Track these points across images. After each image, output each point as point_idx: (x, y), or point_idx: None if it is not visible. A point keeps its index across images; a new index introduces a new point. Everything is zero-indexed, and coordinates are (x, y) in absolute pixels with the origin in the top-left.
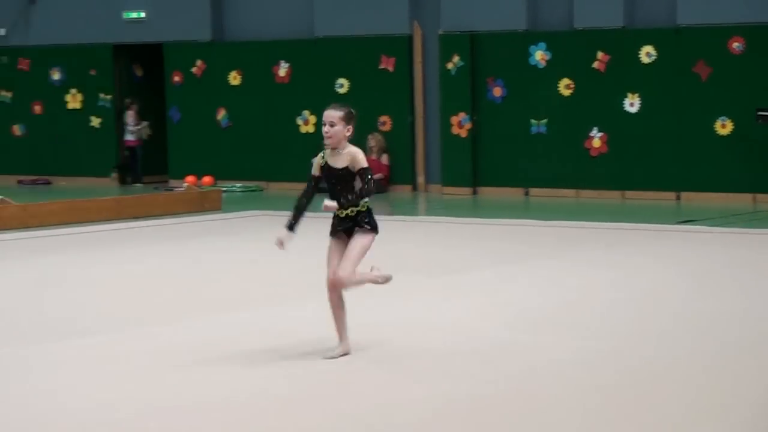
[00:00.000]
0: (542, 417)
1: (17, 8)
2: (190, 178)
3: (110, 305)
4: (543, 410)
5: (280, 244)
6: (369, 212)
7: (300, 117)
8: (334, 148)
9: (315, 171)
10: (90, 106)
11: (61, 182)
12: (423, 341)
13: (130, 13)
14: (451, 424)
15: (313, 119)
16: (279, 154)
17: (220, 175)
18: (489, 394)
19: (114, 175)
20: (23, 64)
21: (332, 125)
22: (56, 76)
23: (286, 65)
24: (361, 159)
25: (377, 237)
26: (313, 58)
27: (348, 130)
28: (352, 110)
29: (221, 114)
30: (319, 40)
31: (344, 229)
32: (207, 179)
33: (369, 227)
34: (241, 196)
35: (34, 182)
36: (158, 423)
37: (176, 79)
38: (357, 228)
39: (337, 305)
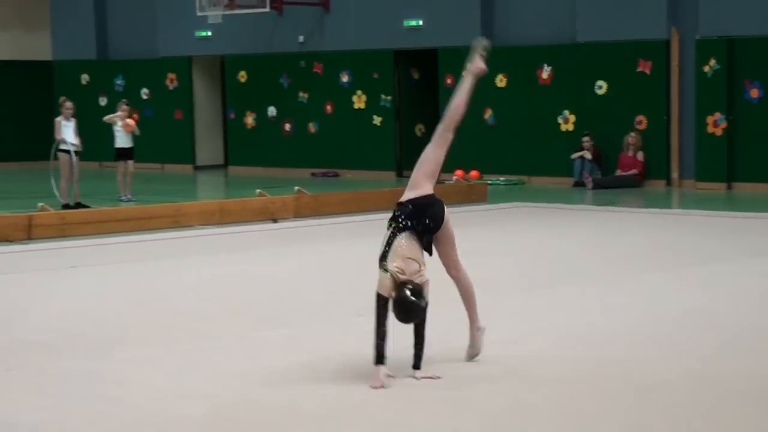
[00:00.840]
0: None
1: (314, 18)
2: (459, 172)
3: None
4: None
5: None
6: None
7: (560, 116)
8: None
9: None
10: (372, 106)
11: (347, 175)
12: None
13: (409, 22)
14: None
15: (572, 118)
16: (540, 151)
17: (485, 170)
18: None
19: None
20: (317, 68)
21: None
22: (345, 78)
23: (549, 68)
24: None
25: None
26: (575, 61)
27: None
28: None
29: (488, 113)
30: (581, 45)
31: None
32: (474, 173)
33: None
34: (505, 189)
35: (324, 174)
36: None
37: (449, 81)
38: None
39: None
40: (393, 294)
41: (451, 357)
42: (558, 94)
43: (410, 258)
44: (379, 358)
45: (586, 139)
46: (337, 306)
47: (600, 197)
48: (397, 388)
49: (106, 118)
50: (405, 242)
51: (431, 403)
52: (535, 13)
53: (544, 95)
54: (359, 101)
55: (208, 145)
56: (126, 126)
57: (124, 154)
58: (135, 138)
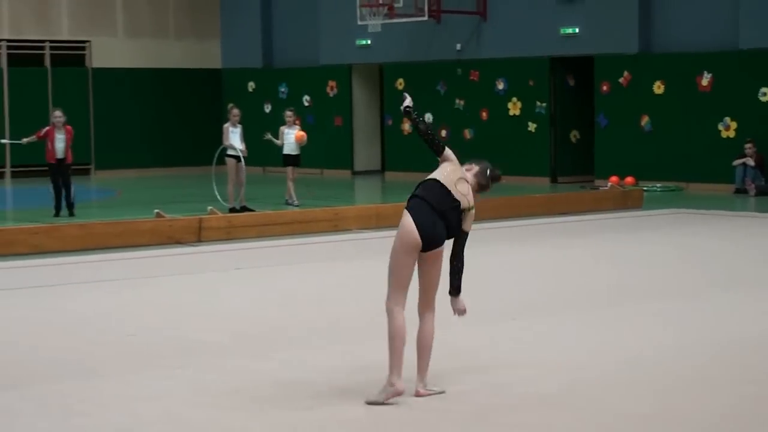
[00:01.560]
0: None
1: (471, 26)
2: (614, 178)
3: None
4: None
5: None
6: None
7: (721, 123)
8: None
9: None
10: (528, 112)
11: (502, 181)
12: None
13: (566, 29)
14: None
15: (734, 125)
16: (699, 158)
17: (641, 176)
18: None
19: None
20: (474, 76)
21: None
22: (500, 86)
23: (709, 75)
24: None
25: None
26: (737, 68)
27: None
28: (489, 182)
29: (644, 120)
30: (743, 52)
31: None
32: (629, 179)
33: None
34: (661, 195)
35: None
36: None
37: (604, 88)
38: None
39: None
40: (479, 181)
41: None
42: (719, 101)
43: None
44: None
45: (748, 146)
46: (490, 310)
47: (764, 204)
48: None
49: (277, 142)
50: (448, 170)
51: None
52: (695, 19)
53: (703, 102)
54: (514, 108)
55: (366, 151)
56: (298, 137)
57: (291, 161)
58: (300, 146)
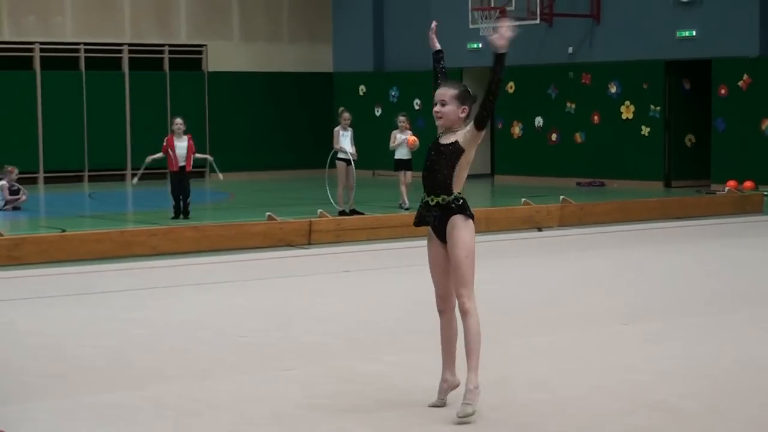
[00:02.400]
0: None
1: (584, 29)
2: (732, 183)
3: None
4: None
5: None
6: (464, 202)
7: None
8: (447, 129)
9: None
10: (641, 116)
11: (613, 184)
12: None
13: (682, 32)
14: None
15: None
16: None
17: (761, 180)
18: None
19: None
20: (585, 79)
21: (443, 104)
22: (613, 89)
23: None
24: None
25: None
26: None
27: (463, 111)
28: (469, 90)
29: (765, 124)
30: None
31: (435, 221)
32: (748, 183)
33: (466, 214)
34: None
35: (590, 184)
36: None
37: (722, 92)
38: (453, 217)
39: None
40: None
41: None
42: None
43: None
44: None
45: None
46: (599, 313)
47: None
48: None
49: (393, 145)
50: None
51: None
52: None
53: None
54: (627, 111)
55: (476, 155)
56: (411, 142)
57: (403, 165)
58: (412, 150)
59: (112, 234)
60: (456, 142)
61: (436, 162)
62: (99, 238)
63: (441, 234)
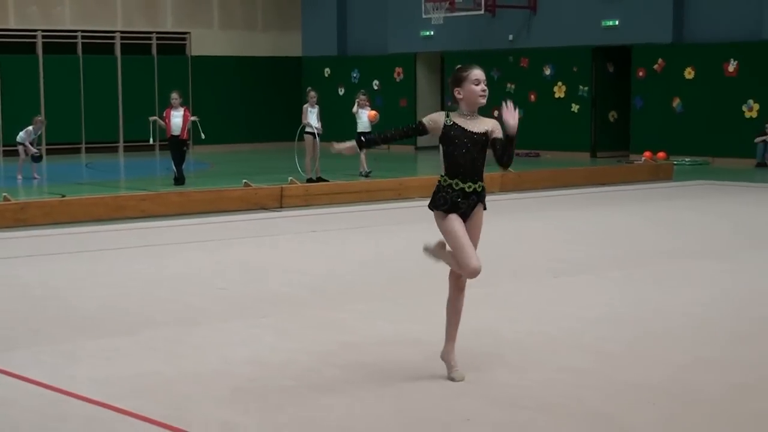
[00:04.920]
0: None
1: (523, 19)
2: (647, 153)
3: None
4: None
5: (346, 149)
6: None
7: (745, 105)
8: (472, 112)
9: (429, 122)
10: (571, 95)
11: (547, 155)
12: None
13: (606, 22)
14: None
15: (756, 107)
16: (724, 135)
17: (672, 151)
18: None
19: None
20: (524, 63)
21: (487, 85)
22: (547, 71)
23: (735, 62)
24: (500, 129)
25: None
26: (760, 56)
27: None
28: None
29: (676, 102)
30: (765, 42)
31: (469, 208)
32: (661, 154)
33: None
34: (690, 168)
35: (527, 154)
36: None
37: (640, 74)
38: (480, 204)
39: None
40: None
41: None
42: (743, 85)
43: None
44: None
45: None
46: (535, 268)
47: None
48: None
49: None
50: None
51: None
52: (722, 12)
53: (729, 86)
54: (560, 91)
55: None
56: (371, 116)
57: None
58: (372, 124)
59: (106, 199)
60: (486, 132)
61: (473, 150)
62: (95, 202)
63: (466, 215)
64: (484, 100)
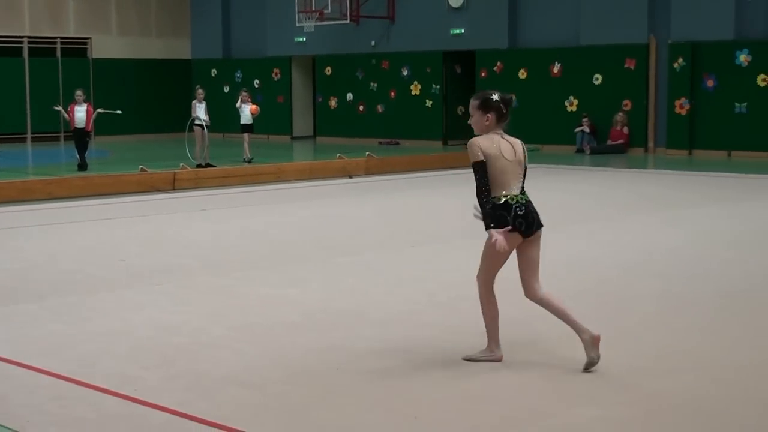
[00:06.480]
0: None
1: (383, 27)
2: None
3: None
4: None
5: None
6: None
7: (567, 101)
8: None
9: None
10: (425, 92)
11: (405, 143)
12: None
13: (454, 30)
14: None
15: (575, 102)
16: (551, 126)
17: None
18: None
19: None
20: (385, 65)
21: (471, 116)
22: (405, 72)
23: (559, 65)
24: (471, 153)
25: None
26: (579, 59)
27: (487, 119)
28: (494, 96)
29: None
30: (582, 47)
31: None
32: None
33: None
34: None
35: (388, 143)
36: None
37: (483, 74)
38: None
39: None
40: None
41: None
42: (565, 84)
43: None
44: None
45: (585, 118)
46: (395, 239)
47: (596, 160)
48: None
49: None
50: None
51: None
52: (549, 22)
53: (555, 85)
54: (415, 89)
55: (302, 121)
56: (253, 110)
57: (247, 128)
58: (254, 117)
59: (15, 183)
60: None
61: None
62: (4, 186)
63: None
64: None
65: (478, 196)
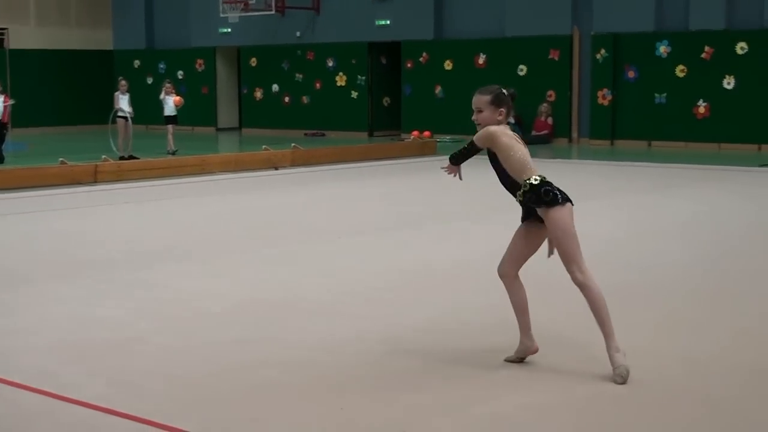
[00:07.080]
0: None
1: (308, 18)
2: (415, 132)
3: (366, 215)
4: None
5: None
6: (539, 188)
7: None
8: None
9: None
10: (351, 83)
11: (331, 134)
12: None
13: (380, 21)
14: None
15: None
16: None
17: (435, 131)
18: None
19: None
20: (310, 56)
21: (479, 111)
22: (330, 63)
23: (484, 56)
24: (491, 137)
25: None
26: (504, 50)
27: (500, 114)
28: (504, 91)
29: (438, 89)
30: (507, 39)
31: (529, 216)
32: (426, 133)
33: (547, 201)
34: (451, 144)
35: (314, 134)
36: None
37: (408, 65)
38: (542, 208)
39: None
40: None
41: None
42: (491, 75)
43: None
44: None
45: None
46: (323, 230)
47: None
48: None
49: (162, 96)
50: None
51: None
52: (474, 13)
53: (480, 76)
54: (341, 80)
55: (227, 113)
56: (176, 101)
57: (171, 120)
58: (177, 108)
59: None
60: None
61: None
62: None
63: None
64: (479, 128)
65: (458, 152)
